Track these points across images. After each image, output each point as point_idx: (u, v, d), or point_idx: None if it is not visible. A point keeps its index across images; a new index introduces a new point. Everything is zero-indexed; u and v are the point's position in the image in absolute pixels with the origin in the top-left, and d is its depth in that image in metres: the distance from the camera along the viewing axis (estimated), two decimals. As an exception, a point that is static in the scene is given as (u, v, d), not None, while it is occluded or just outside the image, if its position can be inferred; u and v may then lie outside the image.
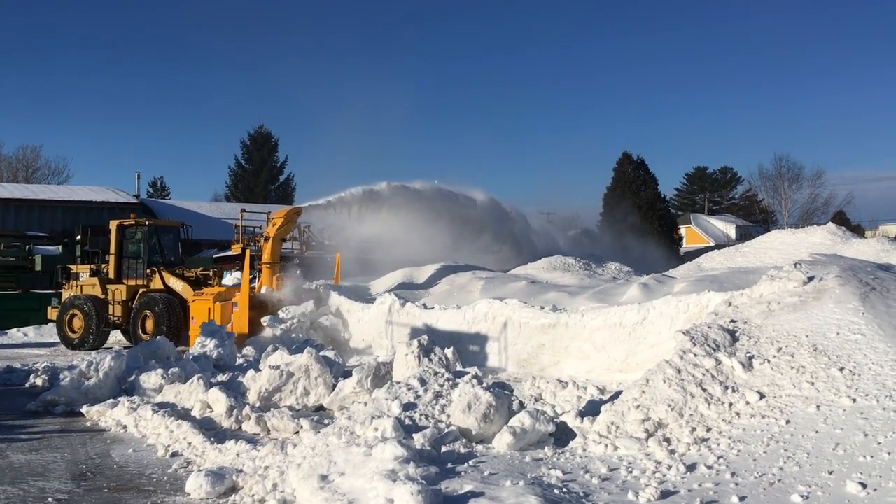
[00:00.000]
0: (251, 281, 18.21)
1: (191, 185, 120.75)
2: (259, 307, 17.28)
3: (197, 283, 19.77)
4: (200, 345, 13.49)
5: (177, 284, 19.76)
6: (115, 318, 20.17)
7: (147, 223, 21.11)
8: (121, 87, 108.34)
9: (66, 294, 21.26)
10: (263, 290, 18.03)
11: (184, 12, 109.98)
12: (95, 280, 20.75)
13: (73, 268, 21.98)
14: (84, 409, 10.69)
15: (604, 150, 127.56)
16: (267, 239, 18.68)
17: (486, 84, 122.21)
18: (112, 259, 20.72)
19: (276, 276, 18.25)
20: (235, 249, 23.14)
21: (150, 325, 19.13)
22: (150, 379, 11.56)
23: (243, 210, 24.75)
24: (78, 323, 20.22)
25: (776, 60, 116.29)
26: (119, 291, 20.27)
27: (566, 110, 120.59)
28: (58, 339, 21.84)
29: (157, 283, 20.02)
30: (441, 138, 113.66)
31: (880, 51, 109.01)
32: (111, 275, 20.66)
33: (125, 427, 9.78)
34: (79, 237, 29.21)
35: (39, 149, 68.35)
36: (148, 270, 20.24)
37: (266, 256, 18.48)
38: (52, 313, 21.51)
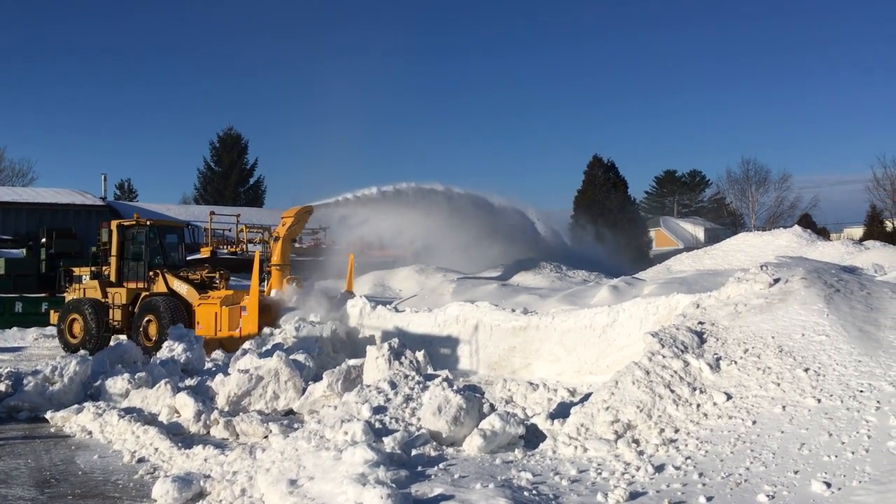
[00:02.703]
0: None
1: (159, 187, 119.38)
2: (268, 311, 16.61)
3: (202, 286, 18.83)
4: (168, 349, 13.33)
5: (181, 287, 18.76)
6: (115, 323, 19.28)
7: (148, 223, 20.12)
8: (87, 88, 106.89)
9: (69, 297, 20.58)
10: (273, 293, 17.29)
11: (152, 15, 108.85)
12: (96, 283, 20.00)
13: (76, 270, 21.34)
14: (48, 415, 10.49)
15: (574, 153, 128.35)
16: (277, 239, 17.93)
17: (460, 88, 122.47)
18: (113, 261, 19.88)
19: (287, 279, 17.54)
20: (205, 252, 22.86)
21: (153, 329, 18.21)
22: (117, 384, 11.40)
23: (212, 213, 24.49)
24: (78, 327, 19.50)
25: (744, 65, 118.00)
26: (119, 295, 19.38)
27: (536, 113, 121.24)
28: (23, 344, 21.45)
29: (159, 286, 19.03)
30: (414, 140, 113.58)
31: (846, 56, 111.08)
32: (112, 277, 19.85)
33: (90, 433, 9.63)
34: (43, 240, 28.85)
35: (3, 150, 66.74)
36: (151, 273, 19.30)
37: (276, 258, 17.73)
38: (54, 317, 20.84)
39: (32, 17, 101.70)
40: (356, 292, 18.35)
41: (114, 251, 19.92)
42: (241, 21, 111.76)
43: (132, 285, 19.48)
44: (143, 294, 19.16)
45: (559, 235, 31.36)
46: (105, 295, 19.72)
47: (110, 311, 19.41)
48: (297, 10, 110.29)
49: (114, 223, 20.32)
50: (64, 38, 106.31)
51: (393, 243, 28.62)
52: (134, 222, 20.10)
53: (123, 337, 19.24)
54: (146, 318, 18.40)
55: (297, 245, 27.15)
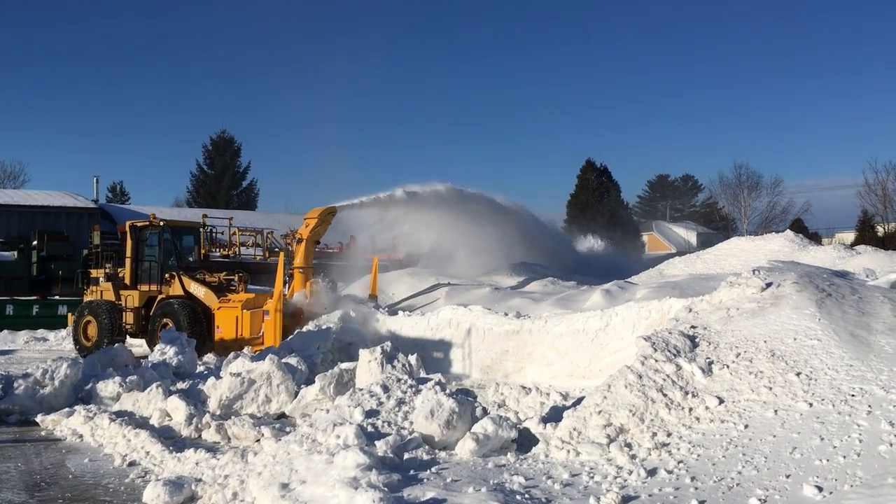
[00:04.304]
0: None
1: (151, 190, 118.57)
2: (291, 315, 16.12)
3: (219, 289, 18.33)
4: (160, 352, 13.29)
5: (198, 290, 18.24)
6: (128, 326, 18.90)
7: (162, 223, 19.52)
8: (79, 90, 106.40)
9: (87, 299, 20.32)
10: (296, 297, 16.73)
11: (144, 17, 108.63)
12: (110, 285, 19.67)
13: (93, 272, 21.02)
14: (39, 418, 10.45)
15: (567, 157, 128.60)
16: (300, 241, 17.28)
17: (451, 91, 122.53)
18: (127, 263, 19.48)
19: (311, 282, 16.98)
20: (196, 255, 22.71)
21: None
22: (108, 387, 11.35)
23: (205, 215, 24.34)
24: (93, 330, 19.13)
25: (736, 70, 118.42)
26: (132, 297, 18.98)
27: (529, 117, 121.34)
28: (13, 347, 21.35)
29: (176, 289, 18.53)
30: (405, 143, 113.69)
31: (838, 61, 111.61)
32: (126, 280, 19.42)
33: (81, 436, 9.59)
34: (35, 242, 28.73)
35: (-5, 152, 66.71)
36: (166, 275, 18.81)
37: (298, 260, 17.11)
38: (71, 319, 20.63)
39: (24, 18, 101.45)
40: (375, 296, 17.75)
41: (128, 253, 19.52)
42: (234, 23, 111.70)
43: (145, 288, 19.10)
44: (160, 297, 18.74)
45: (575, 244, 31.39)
46: (119, 297, 19.37)
47: (123, 314, 19.04)
48: (290, 13, 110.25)
49: (128, 224, 19.96)
50: (56, 40, 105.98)
51: (386, 246, 28.50)
52: (148, 223, 19.64)
53: (142, 341, 18.96)
54: (162, 322, 17.89)
55: (291, 249, 26.99)
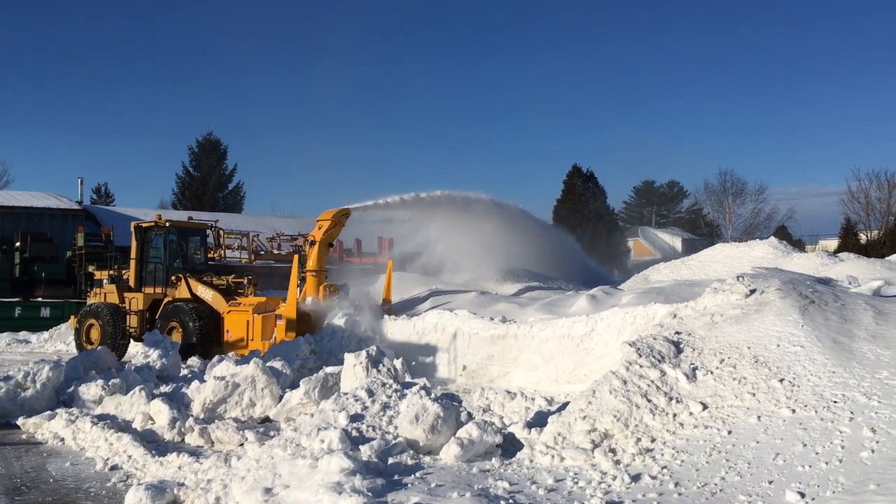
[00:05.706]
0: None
1: (136, 192, 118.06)
2: (304, 319, 15.92)
3: (227, 292, 18.04)
4: (143, 355, 13.20)
5: (206, 293, 17.94)
6: (132, 330, 18.59)
7: (168, 224, 19.20)
8: (65, 90, 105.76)
9: (90, 301, 20.02)
10: (308, 301, 16.50)
11: (130, 19, 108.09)
12: (114, 287, 19.37)
13: (97, 273, 20.80)
14: (20, 422, 10.36)
15: (553, 162, 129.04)
16: (312, 244, 17.00)
17: (439, 94, 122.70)
18: (132, 265, 19.19)
19: (324, 286, 16.72)
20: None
21: (176, 336, 17.00)
22: (90, 390, 11.25)
23: (190, 217, 24.20)
24: (95, 333, 18.82)
25: (721, 77, 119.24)
26: (136, 300, 18.70)
27: (515, 121, 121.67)
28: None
29: (182, 292, 18.18)
30: (386, 147, 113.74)
31: (822, 69, 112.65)
32: (131, 282, 19.21)
33: (62, 440, 9.51)
34: (18, 244, 28.52)
35: (-22, 153, 66.07)
36: (173, 277, 18.47)
37: (311, 263, 16.82)
38: (73, 322, 20.31)
39: (8, 18, 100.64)
40: (389, 301, 17.40)
41: (133, 254, 19.24)
42: (221, 25, 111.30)
43: (149, 290, 18.81)
44: (165, 300, 18.43)
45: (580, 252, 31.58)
46: (123, 300, 19.06)
47: (126, 317, 18.77)
48: (278, 15, 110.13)
49: (133, 224, 19.71)
50: (41, 41, 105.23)
51: (372, 251, 28.44)
52: (153, 224, 19.35)
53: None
54: (170, 325, 17.58)
55: (276, 252, 26.82)
